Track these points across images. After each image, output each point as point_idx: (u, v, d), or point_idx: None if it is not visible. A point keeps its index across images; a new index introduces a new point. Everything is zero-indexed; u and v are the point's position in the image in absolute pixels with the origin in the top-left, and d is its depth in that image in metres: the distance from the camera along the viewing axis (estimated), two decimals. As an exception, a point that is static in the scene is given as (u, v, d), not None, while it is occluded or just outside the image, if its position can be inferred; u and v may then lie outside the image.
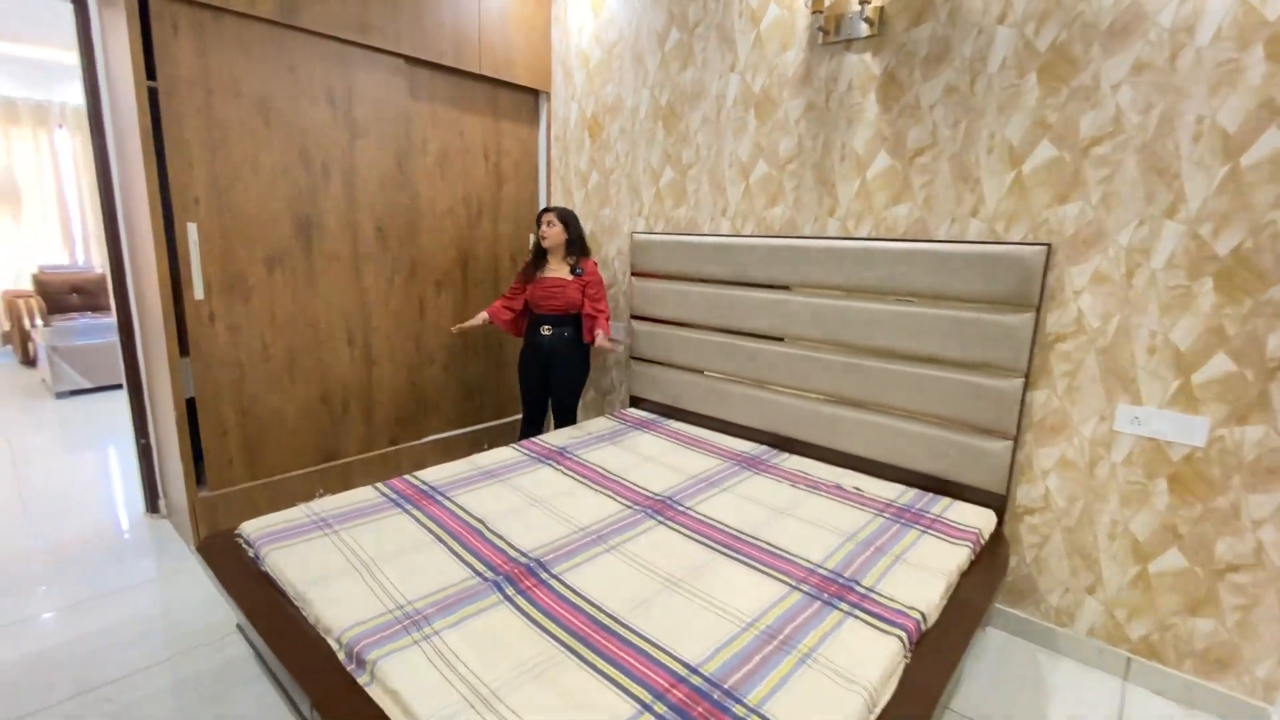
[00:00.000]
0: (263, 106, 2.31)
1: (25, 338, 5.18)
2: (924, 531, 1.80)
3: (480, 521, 1.76)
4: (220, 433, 2.38)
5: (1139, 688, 1.86)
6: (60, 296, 5.28)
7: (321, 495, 2.69)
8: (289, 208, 2.44)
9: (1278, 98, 1.53)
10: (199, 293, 2.24)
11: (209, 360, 2.31)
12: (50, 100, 5.38)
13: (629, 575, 1.52)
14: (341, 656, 1.25)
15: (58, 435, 3.79)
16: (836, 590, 1.48)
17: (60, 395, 4.46)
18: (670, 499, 1.95)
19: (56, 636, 1.97)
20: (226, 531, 1.74)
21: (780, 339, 2.44)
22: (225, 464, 2.41)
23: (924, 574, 1.57)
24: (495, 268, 3.29)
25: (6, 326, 5.47)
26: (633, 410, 2.97)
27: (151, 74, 2.07)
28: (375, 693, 1.15)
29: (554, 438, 2.50)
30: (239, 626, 1.80)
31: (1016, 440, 1.95)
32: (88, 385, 4.53)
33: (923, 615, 1.40)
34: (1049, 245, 1.83)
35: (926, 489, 2.10)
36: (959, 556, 1.67)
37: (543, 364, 2.84)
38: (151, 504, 2.77)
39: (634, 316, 2.97)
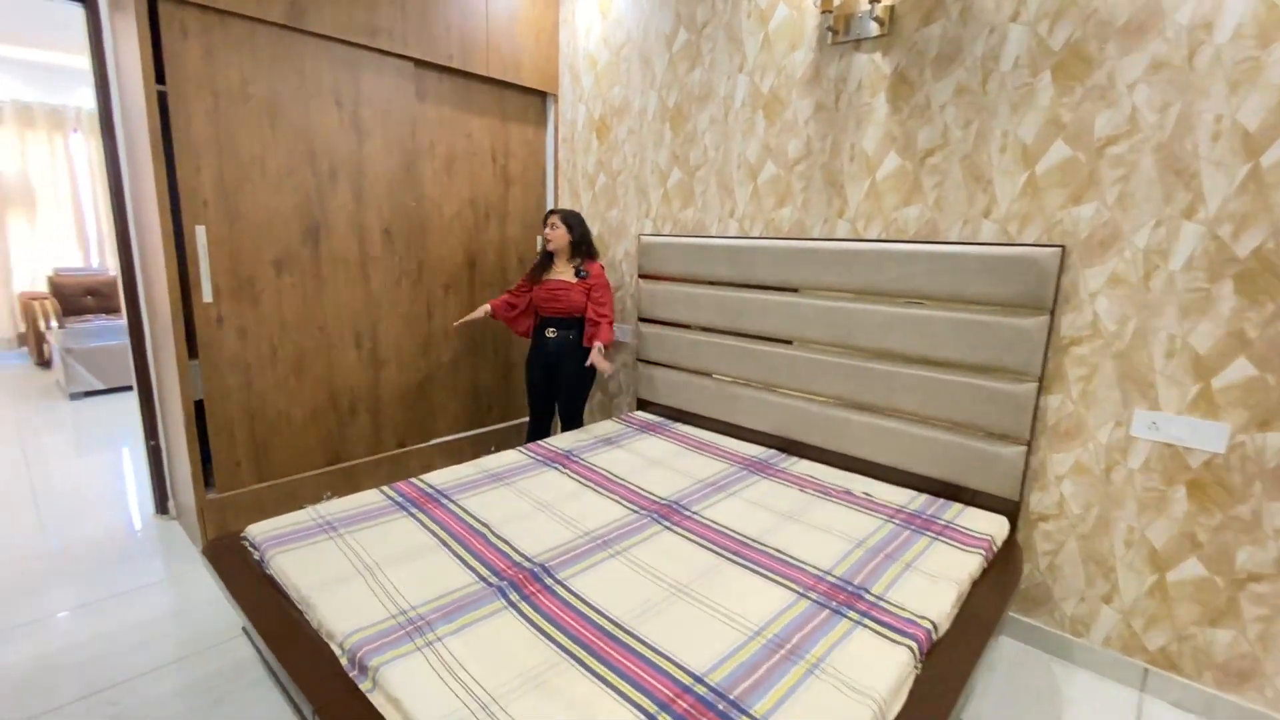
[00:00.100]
0: (271, 109, 2.32)
1: (40, 340, 5.24)
2: (935, 538, 1.77)
3: (485, 525, 1.75)
4: (228, 435, 2.38)
5: (1156, 700, 1.81)
6: (75, 299, 5.35)
7: (329, 498, 2.69)
8: (297, 210, 2.45)
9: (1300, 95, 1.49)
10: (207, 295, 2.25)
11: (217, 363, 2.32)
12: (65, 104, 5.45)
13: (634, 581, 1.50)
14: (344, 662, 1.24)
15: (71, 436, 3.83)
16: (845, 598, 1.45)
17: (74, 396, 4.50)
18: (677, 504, 1.93)
19: (65, 638, 1.98)
20: (233, 534, 1.74)
21: (789, 342, 2.41)
22: (233, 466, 2.42)
23: (935, 582, 1.54)
24: (503, 270, 3.29)
25: (22, 328, 5.54)
26: (640, 413, 2.95)
27: (161, 78, 2.08)
28: (377, 699, 1.14)
29: (560, 441, 2.49)
30: (245, 629, 1.80)
31: (1030, 445, 1.91)
32: (101, 386, 4.57)
33: (933, 624, 1.37)
34: (1063, 247, 1.80)
35: (938, 495, 2.06)
36: (971, 564, 1.64)
37: (548, 367, 2.83)
38: (161, 505, 2.79)
39: (641, 319, 2.95)
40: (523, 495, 1.97)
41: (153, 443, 2.73)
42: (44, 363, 5.31)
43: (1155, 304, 1.72)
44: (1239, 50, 1.55)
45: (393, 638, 1.26)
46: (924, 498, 2.04)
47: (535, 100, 3.31)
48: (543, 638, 1.28)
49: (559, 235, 2.72)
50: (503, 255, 3.29)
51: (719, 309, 2.60)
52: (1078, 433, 1.88)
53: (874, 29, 2.12)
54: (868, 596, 1.46)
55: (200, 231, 2.20)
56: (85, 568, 2.37)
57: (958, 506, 1.98)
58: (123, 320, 2.66)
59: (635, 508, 1.90)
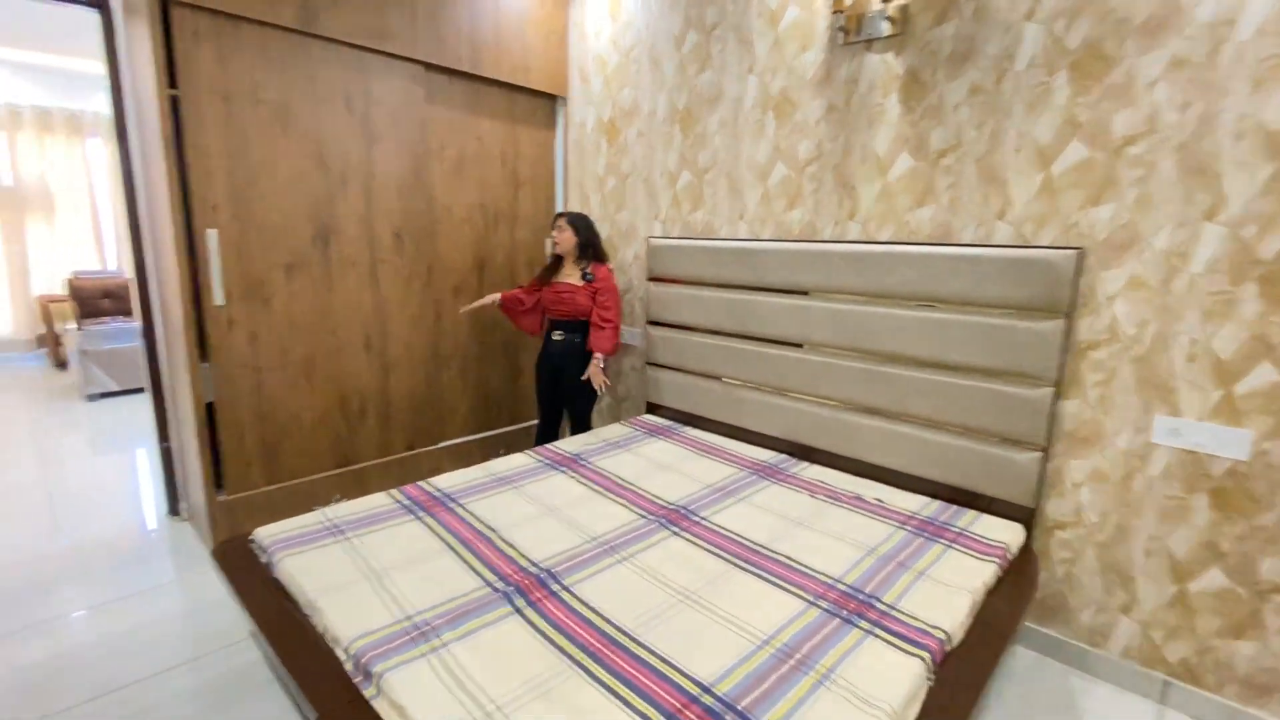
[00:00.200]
0: (282, 113, 2.33)
1: (58, 342, 5.31)
2: (949, 546, 1.73)
3: (492, 530, 1.74)
4: (239, 437, 2.40)
5: (1177, 713, 1.77)
6: (92, 301, 5.41)
7: (338, 500, 2.70)
8: (307, 214, 2.46)
9: (1327, 93, 1.45)
10: (219, 298, 2.26)
11: (228, 365, 2.33)
12: (83, 109, 5.53)
13: (641, 588, 1.48)
14: (349, 668, 1.23)
15: (86, 437, 3.87)
16: (856, 607, 1.43)
17: (90, 398, 4.56)
18: (685, 509, 1.91)
19: (77, 637, 1.99)
20: (241, 537, 1.74)
21: (799, 345, 2.39)
22: (244, 468, 2.43)
23: (948, 591, 1.51)
24: (512, 273, 3.29)
25: (41, 330, 5.62)
26: (649, 416, 2.93)
27: (174, 82, 2.10)
28: (381, 706, 1.13)
29: (568, 444, 2.48)
30: (253, 633, 1.80)
31: (1046, 452, 1.88)
32: (116, 388, 4.63)
33: (947, 635, 1.35)
34: (1080, 249, 1.76)
35: (951, 501, 2.03)
36: (986, 573, 1.61)
37: (555, 370, 2.83)
38: (173, 507, 2.81)
39: (650, 322, 2.93)
40: (530, 499, 1.96)
41: (165, 444, 2.75)
42: (61, 364, 5.38)
43: (1176, 307, 1.68)
44: (1262, 48, 1.51)
45: (398, 643, 1.25)
46: (937, 504, 2.00)
47: (545, 103, 3.31)
48: (549, 645, 1.27)
49: (566, 238, 2.71)
50: (512, 258, 3.29)
51: (729, 312, 2.58)
52: (1096, 439, 1.84)
53: (886, 29, 2.09)
54: (879, 605, 1.43)
55: (212, 235, 2.22)
56: (98, 568, 2.39)
57: (972, 513, 1.95)
58: (138, 323, 2.68)
59: (643, 513, 1.88)
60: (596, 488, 2.06)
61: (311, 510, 2.38)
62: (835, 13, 2.16)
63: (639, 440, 2.56)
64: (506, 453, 3.34)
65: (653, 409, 3.01)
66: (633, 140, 3.05)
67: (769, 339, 2.47)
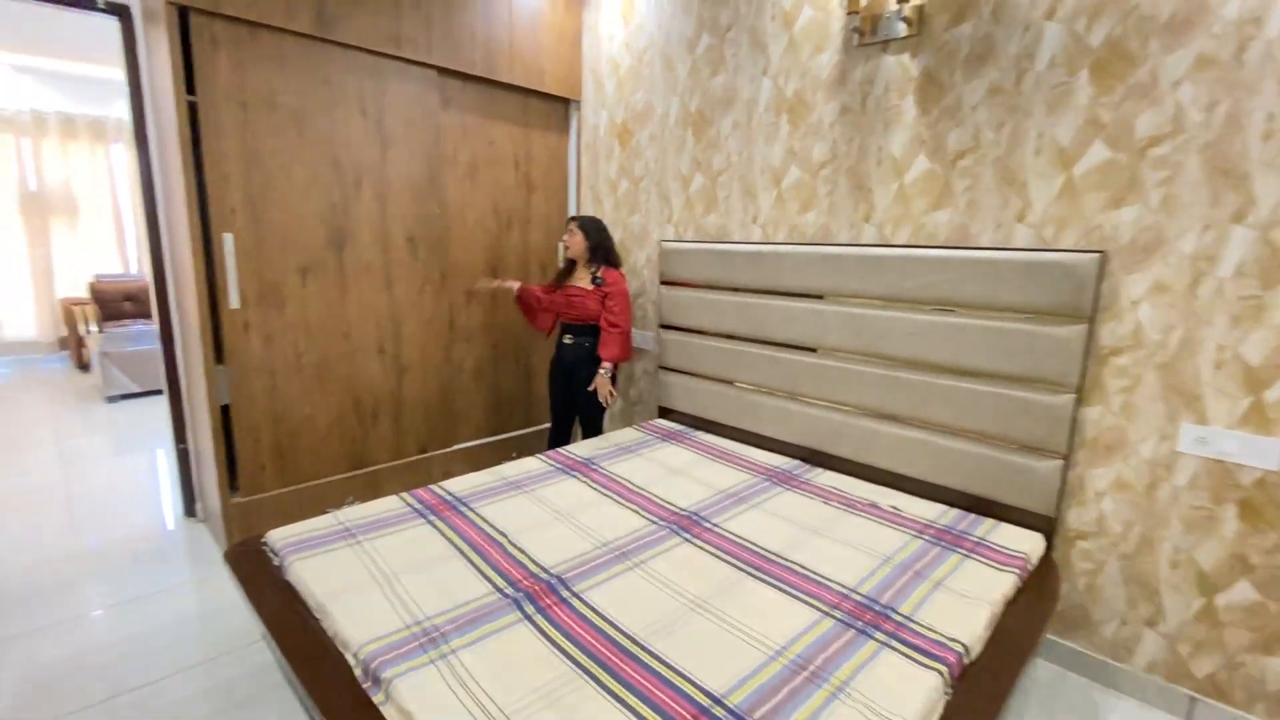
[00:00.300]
0: (297, 119, 2.35)
1: (80, 344, 5.41)
2: (967, 555, 1.70)
3: (502, 534, 1.74)
4: (253, 440, 2.41)
5: (1205, 730, 1.71)
6: (114, 304, 5.50)
7: (351, 502, 2.71)
8: (322, 218, 2.48)
9: (1363, 91, 1.41)
10: (235, 302, 2.28)
11: (244, 368, 2.35)
12: (107, 116, 5.63)
13: (652, 595, 1.46)
14: (358, 673, 1.23)
15: (107, 438, 3.93)
16: (872, 618, 1.40)
17: (111, 399, 4.63)
18: (697, 515, 1.89)
19: (94, 638, 2.01)
20: (254, 539, 1.75)
21: (813, 350, 2.36)
22: (258, 470, 2.44)
23: (967, 602, 1.47)
24: (524, 277, 3.29)
25: (64, 333, 5.72)
26: (661, 421, 2.91)
27: (192, 88, 2.12)
28: (389, 713, 1.12)
29: (580, 448, 2.47)
30: (264, 636, 1.81)
31: (1067, 460, 1.83)
32: (136, 389, 4.70)
33: (965, 647, 1.31)
34: (1103, 252, 1.72)
35: (969, 510, 1.99)
36: (1005, 584, 1.57)
37: (566, 374, 2.82)
38: (189, 508, 2.83)
39: (663, 325, 2.92)
40: (541, 504, 1.95)
41: (182, 446, 2.78)
42: (83, 366, 5.47)
43: (1203, 312, 1.63)
44: (1294, 45, 1.47)
45: (407, 649, 1.25)
46: (954, 513, 1.97)
47: (558, 106, 3.32)
48: (558, 653, 1.26)
49: (576, 241, 2.70)
50: (525, 262, 3.29)
51: (742, 316, 2.56)
52: (1119, 447, 1.80)
53: (902, 29, 2.07)
54: (895, 616, 1.40)
55: (228, 239, 2.24)
56: (116, 568, 2.41)
57: (990, 522, 1.91)
58: (156, 325, 2.72)
59: (654, 519, 1.86)
60: (608, 493, 2.05)
61: (324, 512, 2.39)
62: (850, 14, 2.14)
63: (651, 445, 2.55)
64: (519, 456, 3.34)
65: (665, 413, 2.99)
66: (645, 143, 3.04)
67: (782, 343, 2.45)
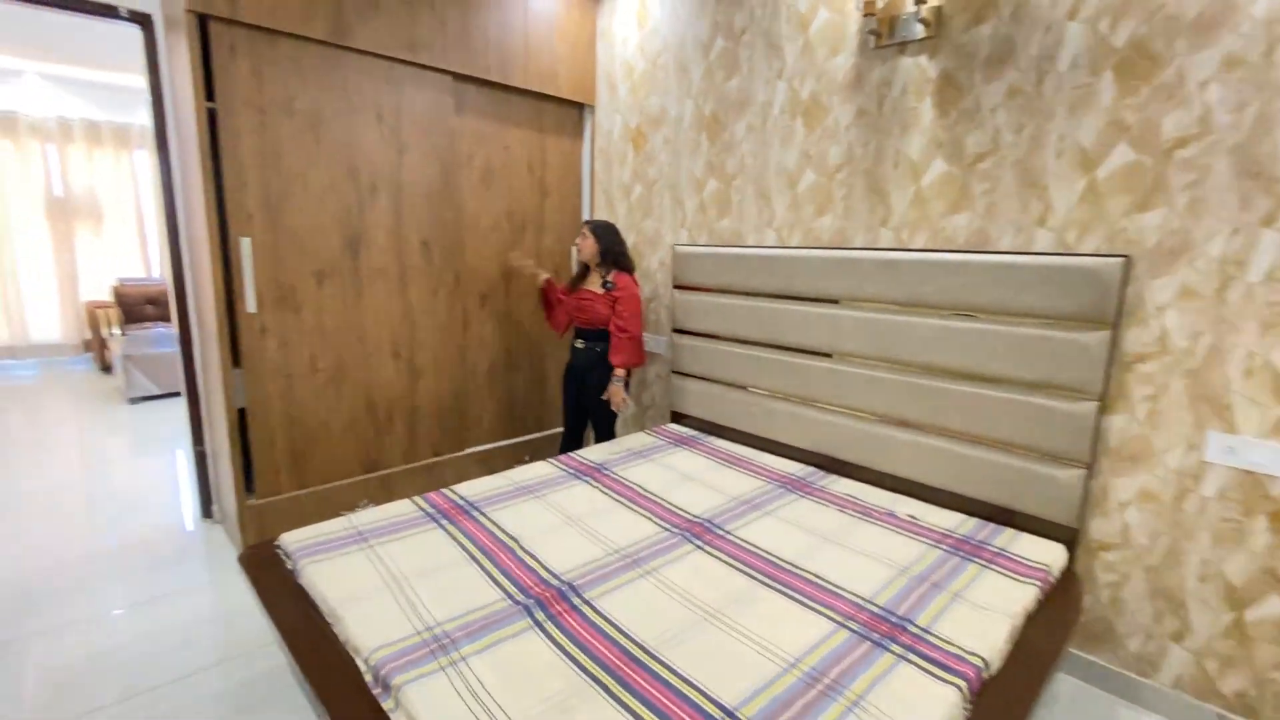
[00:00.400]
0: (314, 125, 2.37)
1: (103, 346, 5.50)
2: (985, 566, 1.66)
3: (514, 540, 1.73)
4: (269, 442, 2.43)
5: (1235, 749, 1.66)
6: (136, 307, 5.60)
7: (366, 505, 2.72)
8: (338, 223, 2.49)
9: (1401, 90, 1.36)
10: (251, 306, 2.30)
11: (259, 372, 2.36)
12: (131, 123, 5.74)
13: (664, 604, 1.45)
14: (369, 679, 1.23)
15: (128, 439, 3.99)
16: (888, 630, 1.37)
17: (133, 401, 4.70)
18: (710, 522, 1.87)
19: (110, 638, 2.03)
20: (268, 542, 1.76)
21: (828, 355, 2.33)
22: (273, 473, 2.46)
23: (986, 614, 1.44)
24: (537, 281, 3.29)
25: (88, 335, 5.83)
26: (673, 426, 2.90)
27: (211, 95, 2.14)
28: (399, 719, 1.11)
29: (592, 453, 2.46)
30: (277, 640, 1.81)
31: (1090, 469, 1.79)
32: (157, 391, 4.77)
33: (985, 661, 1.28)
34: (1127, 257, 1.68)
35: (988, 519, 1.95)
36: (1026, 596, 1.53)
37: (577, 379, 2.82)
38: (206, 509, 2.86)
39: (676, 330, 2.90)
40: (553, 509, 1.95)
41: (199, 448, 2.81)
42: (106, 368, 5.57)
43: (1232, 318, 1.59)
44: (1328, 43, 1.43)
45: (417, 655, 1.24)
46: (973, 522, 1.93)
47: (572, 111, 3.32)
48: (568, 661, 1.24)
49: (587, 245, 2.70)
50: (539, 266, 3.28)
51: (756, 320, 2.54)
52: (1144, 456, 1.75)
53: (920, 31, 2.04)
54: (912, 628, 1.37)
55: (245, 243, 2.26)
56: (134, 569, 2.44)
57: (1010, 532, 1.87)
58: (175, 328, 2.75)
59: (667, 525, 1.85)
60: (619, 498, 2.04)
61: (339, 515, 2.40)
62: (867, 16, 2.11)
63: (663, 450, 2.53)
64: (531, 460, 3.34)
65: (677, 418, 2.98)
66: (659, 147, 3.04)
67: (797, 348, 2.42)
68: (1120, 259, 1.67)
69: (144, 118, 5.75)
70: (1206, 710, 1.70)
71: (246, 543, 2.41)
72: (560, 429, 3.44)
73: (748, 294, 2.57)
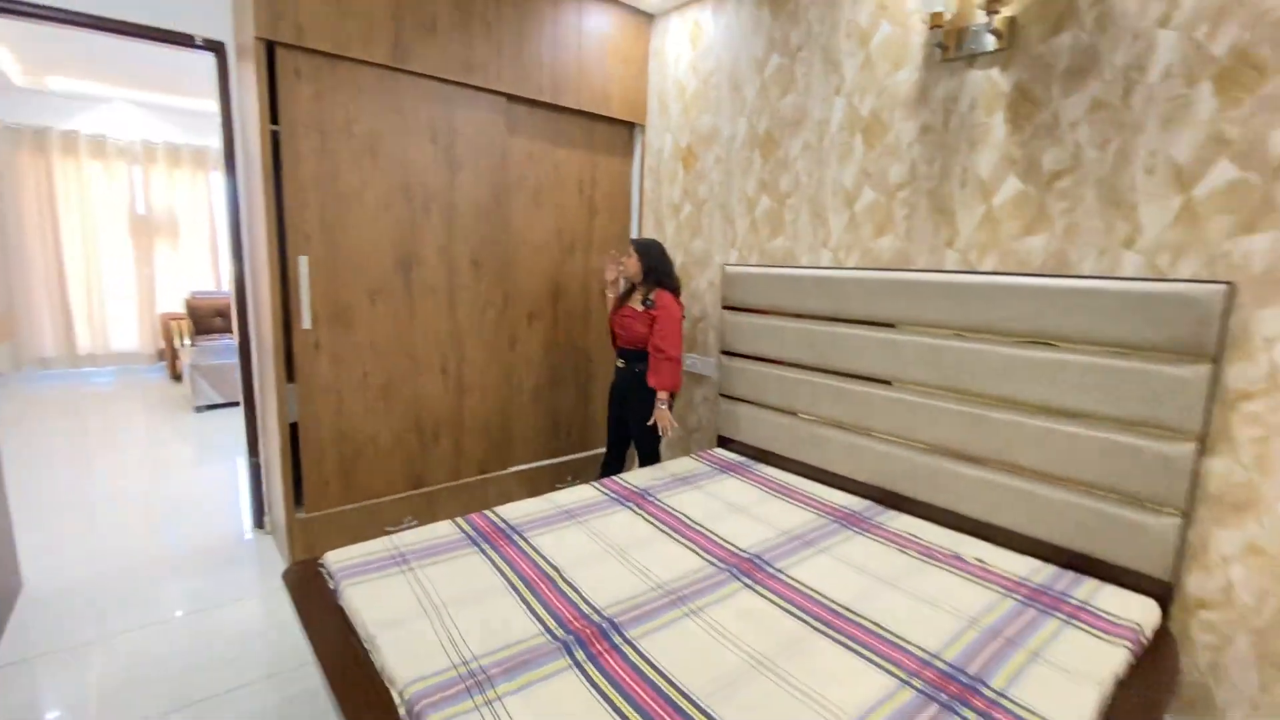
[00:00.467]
0: (371, 146, 2.42)
1: (175, 356, 5.79)
2: (1066, 622, 1.51)
3: (555, 568, 1.67)
4: (319, 457, 2.46)
5: None
6: (206, 319, 5.88)
7: (410, 522, 2.73)
8: (392, 242, 2.53)
9: None
10: (306, 322, 2.35)
11: (312, 387, 2.40)
12: (209, 145, 6.08)
13: (710, 648, 1.36)
14: (402, 712, 1.19)
15: (192, 447, 4.15)
16: (958, 691, 1.24)
17: (198, 409, 4.91)
18: (759, 558, 1.77)
19: (161, 648, 2.07)
20: (311, 560, 1.76)
21: (888, 382, 2.20)
22: (322, 486, 2.49)
23: (1070, 678, 1.29)
24: (585, 300, 3.27)
25: (161, 345, 6.14)
26: (720, 451, 2.80)
27: (275, 118, 2.21)
28: (431, 763, 1.06)
29: (635, 478, 2.39)
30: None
31: (1187, 517, 1.61)
32: (220, 400, 4.96)
33: (1071, 735, 1.14)
34: (1230, 284, 1.52)
35: (1067, 567, 1.78)
36: (1114, 658, 1.38)
37: (618, 400, 2.77)
38: (259, 520, 2.92)
39: (724, 352, 2.82)
40: (595, 536, 1.88)
41: (254, 459, 2.88)
42: (177, 377, 5.85)
43: (1359, 354, 1.41)
44: None
45: (452, 692, 1.19)
46: (1050, 569, 1.77)
47: (623, 130, 3.31)
48: (608, 707, 1.17)
49: (631, 264, 2.66)
50: (586, 285, 3.27)
51: (809, 344, 2.44)
52: (1250, 505, 1.57)
53: (991, 43, 1.93)
54: (986, 691, 1.24)
55: (303, 261, 2.31)
56: (191, 576, 2.50)
57: (1092, 583, 1.70)
58: (236, 341, 2.84)
59: (713, 559, 1.76)
60: (664, 527, 1.96)
61: (384, 531, 2.40)
62: (933, 28, 2.02)
63: (709, 477, 2.44)
64: (574, 480, 3.31)
65: (724, 443, 2.88)
66: (710, 166, 2.98)
67: (854, 374, 2.30)
68: (1222, 286, 1.51)
69: (218, 140, 6.08)
70: (1329, 799, 1.49)
71: (294, 556, 2.44)
72: (604, 449, 3.40)
73: (801, 316, 2.47)
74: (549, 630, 1.41)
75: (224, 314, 5.97)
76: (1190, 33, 1.59)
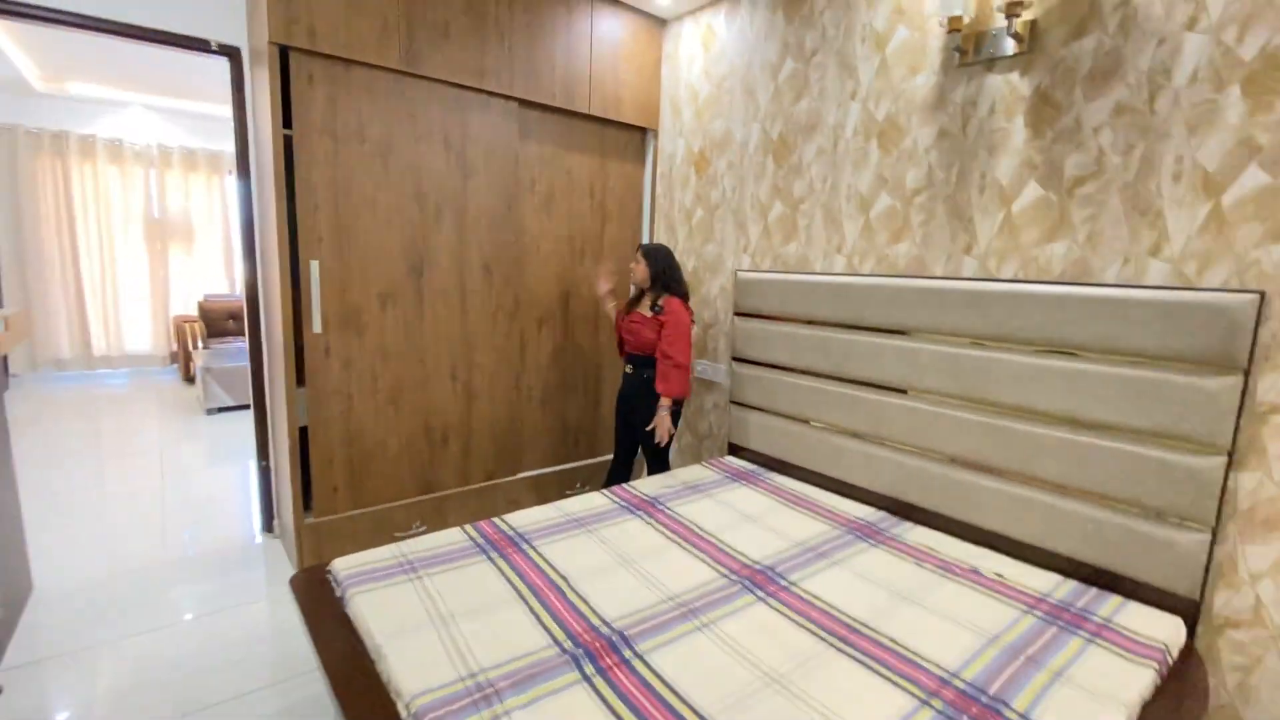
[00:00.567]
0: (383, 151, 2.42)
1: (188, 358, 5.83)
2: (1090, 640, 1.46)
3: (563, 578, 1.65)
4: (328, 461, 2.45)
5: None
6: (219, 322, 5.92)
7: (419, 528, 2.71)
8: (403, 246, 2.52)
9: None
10: (317, 327, 2.34)
11: (322, 391, 2.40)
12: (224, 150, 6.13)
13: (723, 664, 1.33)
14: (408, 727, 1.16)
15: (203, 449, 4.17)
16: (979, 712, 1.20)
17: (210, 412, 4.93)
18: (772, 570, 1.74)
19: (170, 651, 2.06)
20: (319, 566, 1.74)
21: (903, 391, 2.17)
22: (330, 492, 2.48)
23: (1095, 699, 1.25)
24: (595, 305, 3.25)
25: (174, 347, 6.19)
26: (731, 459, 2.77)
27: (288, 122, 2.21)
28: (437, 780, 1.04)
29: (645, 485, 2.36)
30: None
31: (1215, 533, 1.56)
32: (232, 403, 4.98)
33: (1098, 761, 1.10)
34: (1262, 293, 1.47)
35: (1088, 582, 1.73)
36: (1141, 679, 1.33)
37: (626, 406, 2.74)
38: (268, 524, 2.92)
39: (736, 358, 2.79)
40: (604, 545, 1.86)
41: (264, 463, 2.87)
42: (189, 379, 5.89)
43: (1398, 367, 1.36)
44: None
45: (459, 705, 1.17)
46: (1071, 585, 1.72)
47: (635, 136, 3.30)
48: (618, 725, 1.14)
49: (639, 269, 2.64)
50: (596, 291, 3.25)
51: (823, 351, 2.40)
52: (1282, 522, 1.52)
53: (1011, 47, 1.90)
54: (1008, 713, 1.20)
55: (314, 266, 2.31)
56: (201, 580, 2.50)
57: (1115, 599, 1.65)
58: (247, 345, 2.84)
59: (725, 571, 1.73)
60: (674, 537, 1.93)
61: (392, 536, 2.39)
62: (951, 32, 1.98)
63: (721, 485, 2.41)
64: (584, 486, 3.28)
65: (735, 450, 2.85)
66: (723, 171, 2.96)
67: (869, 382, 2.27)
68: (1253, 295, 1.46)
69: (233, 145, 6.13)
70: (1366, 829, 1.44)
71: (302, 561, 2.43)
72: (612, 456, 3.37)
73: (814, 323, 2.44)
74: (558, 642, 1.38)
75: (236, 317, 6.00)
76: (1218, 36, 1.55)
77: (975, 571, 1.76)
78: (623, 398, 2.78)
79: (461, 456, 2.85)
